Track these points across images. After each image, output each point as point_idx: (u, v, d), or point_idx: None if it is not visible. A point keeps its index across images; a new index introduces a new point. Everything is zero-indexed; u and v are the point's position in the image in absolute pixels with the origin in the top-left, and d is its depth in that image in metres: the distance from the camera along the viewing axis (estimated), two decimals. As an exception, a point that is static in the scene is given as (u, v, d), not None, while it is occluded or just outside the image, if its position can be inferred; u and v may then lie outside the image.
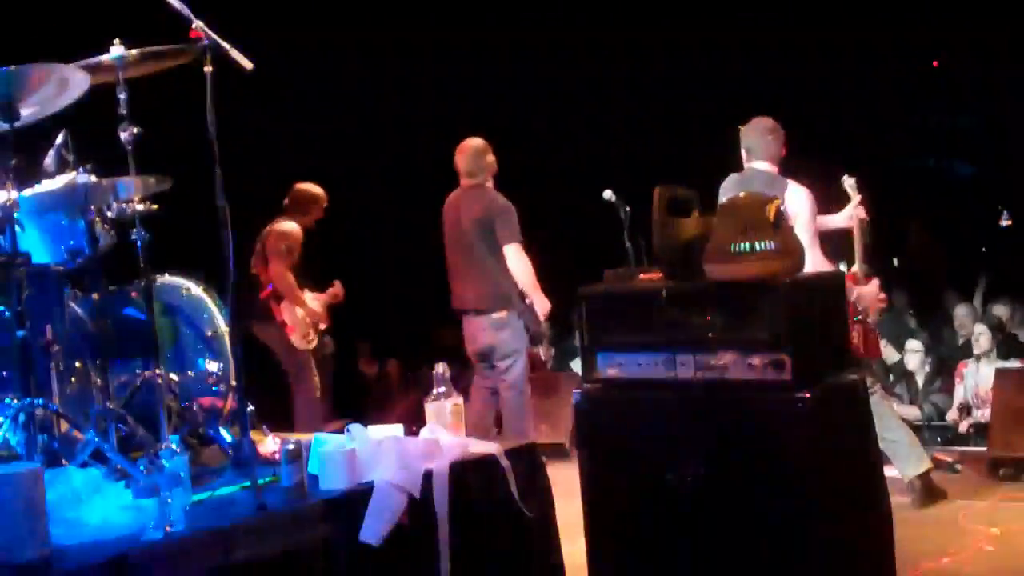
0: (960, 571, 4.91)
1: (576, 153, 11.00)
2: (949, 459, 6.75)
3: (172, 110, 4.76)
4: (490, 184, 6.46)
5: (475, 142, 6.49)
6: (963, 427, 7.70)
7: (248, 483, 3.40)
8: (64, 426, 3.63)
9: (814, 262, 5.33)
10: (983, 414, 7.42)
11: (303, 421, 6.64)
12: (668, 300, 3.84)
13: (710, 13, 11.12)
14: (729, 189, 5.61)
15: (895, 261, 13.25)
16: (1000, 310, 8.78)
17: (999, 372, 7.24)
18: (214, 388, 4.25)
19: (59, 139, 3.83)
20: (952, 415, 7.75)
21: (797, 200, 5.45)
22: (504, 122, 10.44)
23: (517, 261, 6.29)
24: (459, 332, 6.53)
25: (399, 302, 10.76)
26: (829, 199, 6.02)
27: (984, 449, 6.93)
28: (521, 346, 6.39)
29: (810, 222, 5.46)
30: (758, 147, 5.71)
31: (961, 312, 8.81)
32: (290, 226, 6.90)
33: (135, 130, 3.79)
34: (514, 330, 6.33)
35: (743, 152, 5.78)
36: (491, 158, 6.47)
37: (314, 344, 6.89)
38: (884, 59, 12.45)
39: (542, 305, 6.35)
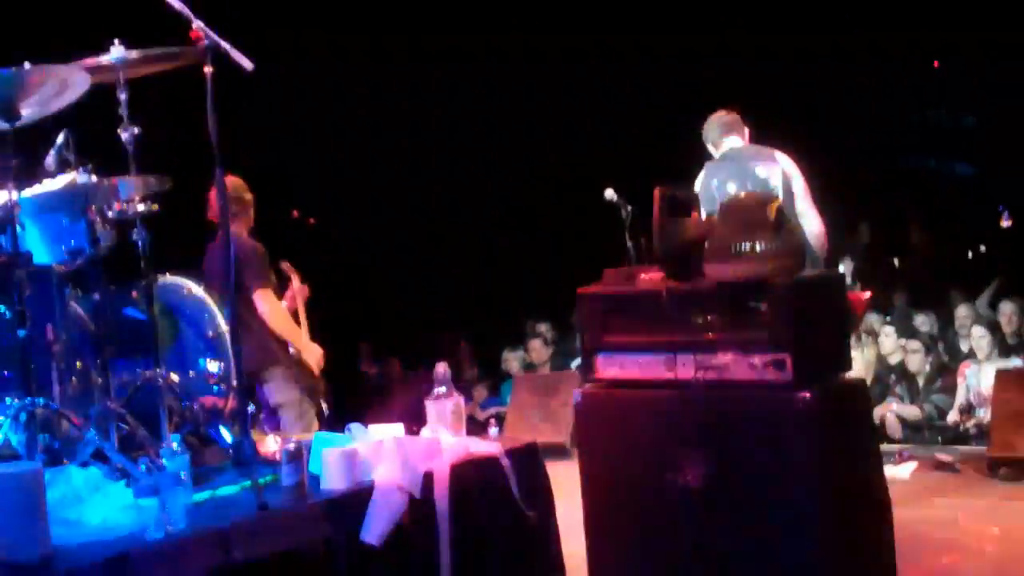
0: (960, 571, 4.90)
1: (577, 152, 10.99)
2: (949, 459, 6.75)
3: (172, 110, 4.75)
4: (239, 227, 5.47)
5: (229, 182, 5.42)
6: (966, 426, 7.67)
7: (249, 483, 3.40)
8: (65, 426, 3.63)
9: (821, 224, 5.33)
10: (984, 414, 7.41)
11: None
12: (668, 300, 3.85)
13: (711, 13, 11.13)
14: (713, 174, 5.41)
15: (896, 261, 13.24)
16: (1007, 307, 8.73)
17: (999, 372, 7.23)
18: (215, 388, 4.25)
19: (60, 139, 3.82)
20: (953, 416, 7.74)
21: (789, 165, 5.38)
22: (506, 122, 10.45)
23: (266, 308, 5.48)
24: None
25: (399, 302, 10.76)
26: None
27: (984, 449, 6.92)
28: (288, 400, 5.57)
29: (806, 186, 5.38)
30: (725, 128, 5.60)
31: (962, 312, 8.80)
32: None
33: (135, 130, 3.79)
34: (278, 386, 5.56)
35: (709, 146, 5.64)
36: (240, 200, 5.55)
37: None
38: (884, 59, 12.45)
39: (311, 354, 5.60)
